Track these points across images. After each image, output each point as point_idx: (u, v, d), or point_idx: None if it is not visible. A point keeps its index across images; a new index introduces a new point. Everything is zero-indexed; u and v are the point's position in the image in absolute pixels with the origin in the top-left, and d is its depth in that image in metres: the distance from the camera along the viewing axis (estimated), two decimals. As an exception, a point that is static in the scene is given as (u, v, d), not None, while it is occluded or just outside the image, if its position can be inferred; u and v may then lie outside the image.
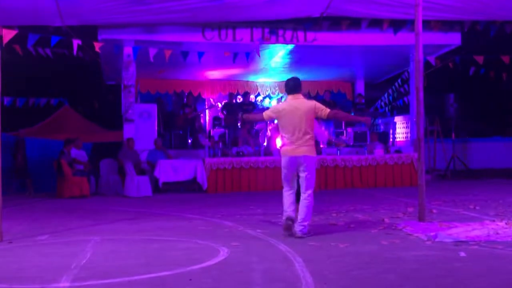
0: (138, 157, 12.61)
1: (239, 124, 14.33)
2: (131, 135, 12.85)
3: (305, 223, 6.12)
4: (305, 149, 6.16)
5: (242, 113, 7.63)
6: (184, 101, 16.27)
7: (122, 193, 11.89)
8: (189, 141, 15.01)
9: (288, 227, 6.19)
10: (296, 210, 6.23)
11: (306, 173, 6.15)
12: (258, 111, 16.95)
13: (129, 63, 13.04)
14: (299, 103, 6.28)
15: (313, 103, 6.34)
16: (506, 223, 6.53)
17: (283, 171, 6.30)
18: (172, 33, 12.51)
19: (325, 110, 6.28)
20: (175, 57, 12.43)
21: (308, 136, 6.19)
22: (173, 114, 16.25)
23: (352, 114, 16.36)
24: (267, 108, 17.36)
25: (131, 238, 6.29)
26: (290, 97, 6.38)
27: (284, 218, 6.24)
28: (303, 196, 6.18)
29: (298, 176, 6.27)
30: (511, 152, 16.97)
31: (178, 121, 15.20)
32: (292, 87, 6.36)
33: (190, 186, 12.32)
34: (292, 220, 6.18)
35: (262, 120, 6.98)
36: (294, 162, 6.18)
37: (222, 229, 6.83)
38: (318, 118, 6.54)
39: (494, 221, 6.84)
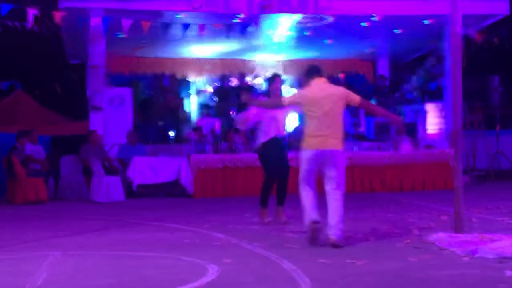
0: (106, 154, 12.61)
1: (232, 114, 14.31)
2: (99, 127, 12.85)
3: (342, 227, 6.33)
4: (335, 142, 6.45)
5: (245, 95, 7.82)
6: (165, 85, 16.24)
7: (88, 198, 11.89)
8: (171, 134, 14.99)
9: (316, 233, 6.36)
10: (278, 212, 6.90)
11: (336, 170, 6.42)
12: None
13: (98, 38, 13.02)
14: (330, 87, 6.69)
15: (343, 89, 6.75)
16: (563, 235, 6.54)
17: (305, 167, 6.50)
18: (151, 1, 12.48)
19: (356, 97, 6.66)
20: (155, 30, 12.39)
21: (339, 127, 6.53)
22: (151, 100, 16.24)
23: (374, 102, 16.41)
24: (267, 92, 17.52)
25: (99, 253, 6.27)
26: (316, 80, 6.66)
27: (308, 222, 6.41)
28: (334, 196, 6.41)
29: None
30: None
31: (157, 110, 15.20)
32: (317, 69, 6.77)
33: (172, 190, 12.33)
34: (319, 223, 6.37)
35: (280, 106, 7.22)
36: (320, 156, 6.43)
37: (212, 242, 6.83)
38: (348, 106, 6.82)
39: (548, 232, 6.86)
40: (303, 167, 6.54)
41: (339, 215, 6.35)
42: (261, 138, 8.27)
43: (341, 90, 6.69)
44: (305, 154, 6.51)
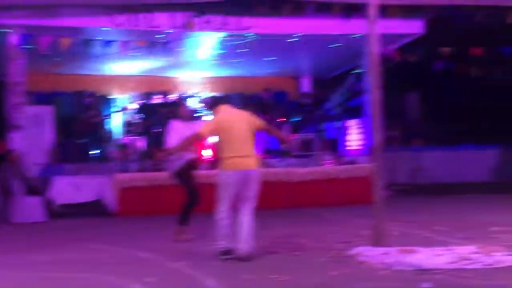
0: (26, 174, 12.32)
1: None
2: (18, 145, 12.53)
3: (252, 242, 6.60)
4: (252, 162, 6.79)
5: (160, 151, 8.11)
6: (87, 102, 16.02)
7: (7, 219, 11.57)
8: (94, 152, 14.78)
9: (227, 260, 6.51)
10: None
11: (253, 189, 6.75)
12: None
13: (17, 55, 12.74)
14: (240, 113, 7.10)
15: (249, 113, 7.10)
16: (477, 248, 6.77)
17: (225, 188, 6.68)
18: (72, 17, 12.31)
19: (260, 123, 7.09)
20: (76, 47, 12.22)
21: (253, 148, 6.88)
22: (73, 118, 15.97)
23: (297, 119, 16.65)
24: (194, 111, 17.53)
25: (22, 274, 6.16)
26: (223, 107, 7.09)
27: (221, 249, 6.62)
28: (247, 212, 6.70)
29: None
30: (485, 162, 17.71)
31: (79, 127, 14.95)
32: (217, 100, 7.38)
33: (95, 209, 12.14)
34: (231, 253, 6.57)
35: (200, 139, 7.39)
36: (241, 177, 6.66)
37: (135, 262, 6.79)
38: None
39: (463, 244, 7.08)
40: (225, 189, 6.70)
41: (250, 230, 6.64)
42: (179, 161, 8.30)
43: (247, 114, 7.06)
44: (227, 176, 6.69)
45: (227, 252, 6.62)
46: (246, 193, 6.72)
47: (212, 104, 7.36)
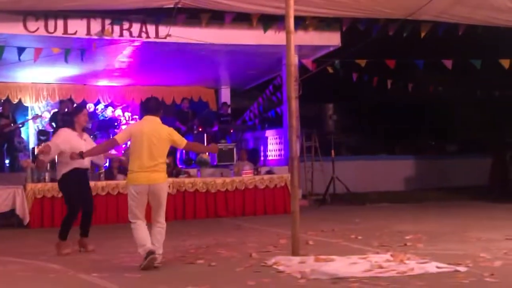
0: None
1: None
2: None
3: (161, 251, 6.76)
4: (160, 176, 6.84)
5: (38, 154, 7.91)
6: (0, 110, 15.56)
7: None
8: (6, 162, 14.33)
9: (152, 262, 6.56)
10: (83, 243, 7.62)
11: (162, 202, 6.84)
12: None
13: None
14: (159, 127, 6.97)
15: (170, 130, 7.06)
16: (391, 255, 6.90)
17: (134, 200, 6.77)
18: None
19: (182, 141, 7.11)
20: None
21: (163, 163, 6.90)
22: (-16, 126, 15.46)
23: (216, 128, 16.65)
24: (112, 120, 17.30)
25: None
26: (149, 117, 7.03)
27: (145, 252, 6.59)
28: (159, 225, 6.82)
29: None
30: (399, 172, 18.19)
31: (-9, 136, 14.48)
32: (153, 108, 7.08)
33: (8, 221, 11.74)
34: (154, 253, 6.61)
35: (115, 145, 7.39)
36: (147, 190, 6.74)
37: (47, 274, 6.59)
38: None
39: (378, 253, 7.23)
40: (132, 201, 6.78)
41: (161, 240, 6.79)
42: (62, 169, 8.07)
43: (168, 131, 7.00)
44: (133, 188, 6.77)
45: (150, 252, 6.60)
46: (154, 205, 6.85)
47: (143, 109, 7.34)
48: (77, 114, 8.29)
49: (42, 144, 8.27)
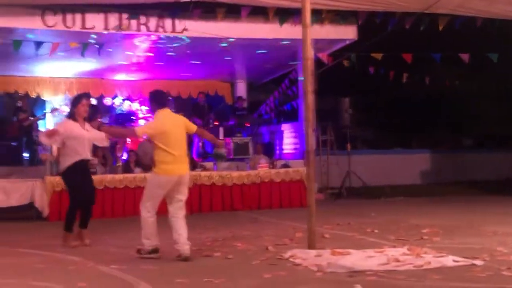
0: None
1: None
2: None
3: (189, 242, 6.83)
4: (186, 167, 7.08)
5: (101, 125, 7.85)
6: (18, 104, 15.65)
7: None
8: (26, 155, 14.43)
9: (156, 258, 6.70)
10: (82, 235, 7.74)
11: (185, 192, 7.03)
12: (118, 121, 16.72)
13: None
14: (176, 118, 7.21)
15: (182, 117, 7.31)
16: (407, 249, 6.90)
17: (156, 192, 6.90)
18: (2, 17, 11.97)
19: (193, 126, 7.35)
20: (6, 47, 11.90)
21: (186, 152, 7.13)
22: (3, 120, 15.61)
23: (232, 121, 16.66)
24: (129, 114, 17.35)
25: None
26: (165, 111, 7.15)
27: (151, 247, 6.83)
28: (181, 216, 6.89)
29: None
30: (415, 166, 18.12)
31: (10, 130, 14.61)
32: (164, 100, 7.28)
33: (27, 213, 11.84)
34: (157, 251, 6.82)
35: (133, 136, 7.41)
36: (176, 182, 6.88)
37: (66, 266, 6.64)
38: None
39: (394, 246, 7.22)
40: (155, 192, 6.91)
41: (186, 231, 6.85)
42: (66, 162, 8.06)
43: (183, 119, 7.25)
44: (160, 180, 6.91)
45: (154, 250, 6.84)
46: (178, 197, 6.94)
47: (153, 103, 7.27)
48: (76, 105, 8.25)
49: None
